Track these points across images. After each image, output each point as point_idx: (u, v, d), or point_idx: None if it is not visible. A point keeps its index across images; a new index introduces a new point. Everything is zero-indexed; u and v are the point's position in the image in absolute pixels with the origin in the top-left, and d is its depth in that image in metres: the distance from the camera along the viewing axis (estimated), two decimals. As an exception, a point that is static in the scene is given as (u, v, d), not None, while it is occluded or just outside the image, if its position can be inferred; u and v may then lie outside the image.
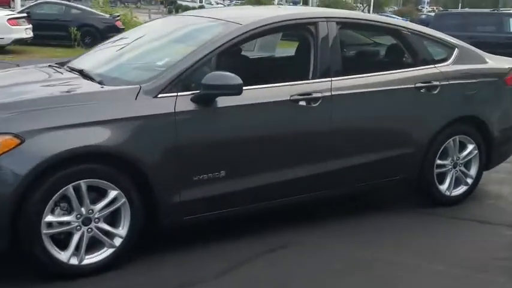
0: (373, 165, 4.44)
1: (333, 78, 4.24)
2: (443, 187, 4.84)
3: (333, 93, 4.20)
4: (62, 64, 4.60)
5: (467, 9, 30.96)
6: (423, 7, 59.78)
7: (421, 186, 4.79)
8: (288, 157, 4.10)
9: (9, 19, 15.68)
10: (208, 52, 3.86)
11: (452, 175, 4.87)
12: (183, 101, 3.68)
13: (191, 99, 3.71)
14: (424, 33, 4.90)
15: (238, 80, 3.67)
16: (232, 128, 3.86)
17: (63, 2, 19.81)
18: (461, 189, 4.96)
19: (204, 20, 4.59)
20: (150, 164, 3.57)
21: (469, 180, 4.97)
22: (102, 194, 3.51)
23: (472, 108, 4.90)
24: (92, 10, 19.85)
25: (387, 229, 4.44)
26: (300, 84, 4.15)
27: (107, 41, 5.12)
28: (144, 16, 24.33)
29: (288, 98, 4.03)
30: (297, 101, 4.07)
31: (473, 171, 4.97)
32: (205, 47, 3.89)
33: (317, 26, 4.29)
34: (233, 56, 4.36)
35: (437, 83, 4.66)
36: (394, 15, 38.46)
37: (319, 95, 4.14)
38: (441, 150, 4.74)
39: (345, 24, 4.53)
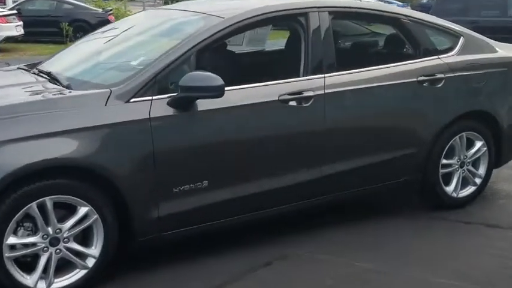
0: (373, 168, 4.06)
1: (326, 75, 3.86)
2: (450, 188, 4.46)
3: (326, 91, 3.81)
4: (32, 66, 4.23)
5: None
6: (423, -8, 59.01)
7: (426, 188, 4.41)
8: (278, 163, 3.72)
9: (-2, 17, 15.31)
10: (186, 50, 3.48)
11: (459, 175, 4.48)
12: (158, 106, 3.31)
13: (168, 103, 3.33)
14: (426, 21, 4.50)
15: (219, 81, 3.29)
16: (215, 133, 3.48)
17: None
18: (469, 190, 4.58)
19: (186, 14, 4.20)
20: (124, 176, 3.21)
21: (478, 180, 4.59)
22: (72, 211, 3.16)
23: (480, 102, 4.51)
24: (84, 5, 19.40)
25: (389, 236, 4.07)
26: (290, 82, 3.77)
27: (81, 40, 4.75)
28: (139, 9, 23.85)
29: (277, 98, 3.65)
30: (287, 101, 3.69)
31: (482, 170, 4.59)
32: (183, 44, 3.51)
33: (307, 17, 3.89)
34: (216, 52, 3.98)
35: (441, 75, 4.26)
36: (393, 1, 37.85)
37: (311, 93, 3.76)
38: (447, 148, 4.36)
39: (338, 14, 4.14)
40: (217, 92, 3.31)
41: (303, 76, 3.83)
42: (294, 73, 3.85)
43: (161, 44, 3.73)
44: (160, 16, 4.62)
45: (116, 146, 3.20)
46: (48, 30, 17.32)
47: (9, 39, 15.69)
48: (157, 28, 4.22)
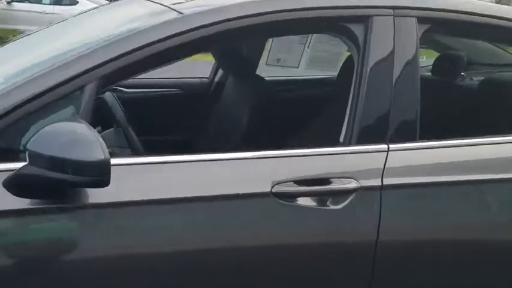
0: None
1: (392, 145, 1.85)
2: None
3: (388, 180, 1.81)
4: None
5: None
6: None
7: None
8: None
9: None
10: (78, 72, 1.64)
11: None
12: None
13: (3, 185, 1.52)
14: None
15: (98, 151, 1.43)
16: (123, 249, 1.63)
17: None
18: None
19: (149, 9, 2.37)
20: None
21: None
22: None
23: None
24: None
25: None
26: (306, 156, 1.81)
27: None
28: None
29: (269, 190, 1.71)
30: (290, 196, 1.73)
31: None
32: (79, 57, 1.69)
33: (369, 25, 1.91)
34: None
35: None
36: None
37: (351, 184, 1.77)
38: None
39: (437, 23, 2.09)
40: (94, 174, 1.45)
41: (341, 145, 1.86)
42: (319, 135, 1.91)
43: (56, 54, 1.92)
44: (115, 13, 2.79)
45: None
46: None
47: None
48: (82, 31, 2.39)
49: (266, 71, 3.23)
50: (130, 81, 3.10)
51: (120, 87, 2.96)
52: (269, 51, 3.26)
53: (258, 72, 3.06)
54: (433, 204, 1.89)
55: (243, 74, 2.85)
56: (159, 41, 1.69)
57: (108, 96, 2.02)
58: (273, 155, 1.76)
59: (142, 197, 1.59)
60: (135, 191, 1.59)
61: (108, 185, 1.46)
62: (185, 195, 1.62)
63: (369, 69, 1.87)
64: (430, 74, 3.09)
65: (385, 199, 1.80)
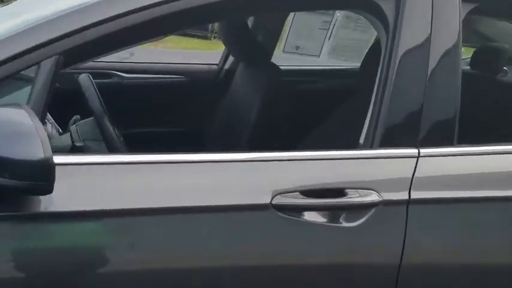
0: None
1: (423, 150, 1.51)
2: None
3: (416, 194, 1.46)
4: None
5: None
6: None
7: None
8: None
9: None
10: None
11: None
12: None
13: None
14: None
15: (33, 150, 1.11)
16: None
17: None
18: None
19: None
20: None
21: None
22: None
23: None
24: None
25: None
26: (316, 160, 1.47)
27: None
28: None
29: (268, 202, 1.37)
30: (295, 210, 1.40)
31: None
32: (31, 31, 1.35)
33: (402, 1, 1.55)
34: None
35: None
36: None
37: (372, 197, 1.43)
38: None
39: (485, 2, 1.74)
40: (31, 178, 1.13)
41: (361, 147, 1.52)
42: (336, 134, 1.59)
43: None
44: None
45: None
46: None
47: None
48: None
49: (283, 59, 2.91)
50: (129, 65, 2.82)
51: (118, 71, 2.68)
52: (287, 36, 2.93)
53: (273, 60, 2.74)
54: (472, 223, 1.54)
55: (255, 62, 2.52)
56: (141, 9, 1.35)
57: (83, 79, 1.71)
58: (276, 158, 1.43)
59: (97, 207, 1.27)
60: (90, 198, 1.27)
61: (51, 192, 1.14)
62: (160, 206, 1.30)
63: (399, 57, 1.52)
64: (468, 67, 2.73)
65: (412, 216, 1.46)
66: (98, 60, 2.78)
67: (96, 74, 2.68)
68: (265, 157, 1.42)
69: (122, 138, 1.70)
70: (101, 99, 1.61)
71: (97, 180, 1.28)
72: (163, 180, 1.32)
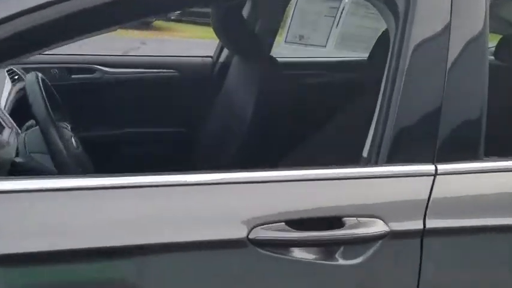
0: None
1: (441, 166, 1.21)
2: None
3: (434, 220, 1.17)
4: None
5: None
6: None
7: None
8: None
9: None
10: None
11: None
12: None
13: None
14: None
15: None
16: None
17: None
18: None
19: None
20: None
21: None
22: None
23: None
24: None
25: None
26: (318, 179, 1.17)
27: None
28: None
29: (244, 236, 1.09)
30: (277, 245, 1.11)
31: None
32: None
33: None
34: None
35: None
36: None
37: (378, 226, 1.14)
38: None
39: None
40: None
41: (364, 163, 1.23)
42: (336, 143, 1.31)
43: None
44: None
45: None
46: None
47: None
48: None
49: (285, 50, 2.62)
50: (114, 58, 2.57)
51: (101, 65, 2.42)
52: (289, 25, 2.64)
53: (273, 52, 2.45)
54: (503, 257, 1.25)
55: (250, 54, 2.23)
56: None
57: (28, 78, 1.43)
58: (253, 179, 1.14)
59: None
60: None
61: None
62: (104, 245, 1.02)
63: (411, 49, 1.22)
64: (492, 57, 2.41)
65: (428, 251, 1.16)
66: (79, 53, 2.53)
67: (75, 69, 2.43)
68: (239, 178, 1.13)
69: (80, 149, 1.42)
70: (48, 104, 1.33)
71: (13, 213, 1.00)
72: (106, 211, 1.04)
